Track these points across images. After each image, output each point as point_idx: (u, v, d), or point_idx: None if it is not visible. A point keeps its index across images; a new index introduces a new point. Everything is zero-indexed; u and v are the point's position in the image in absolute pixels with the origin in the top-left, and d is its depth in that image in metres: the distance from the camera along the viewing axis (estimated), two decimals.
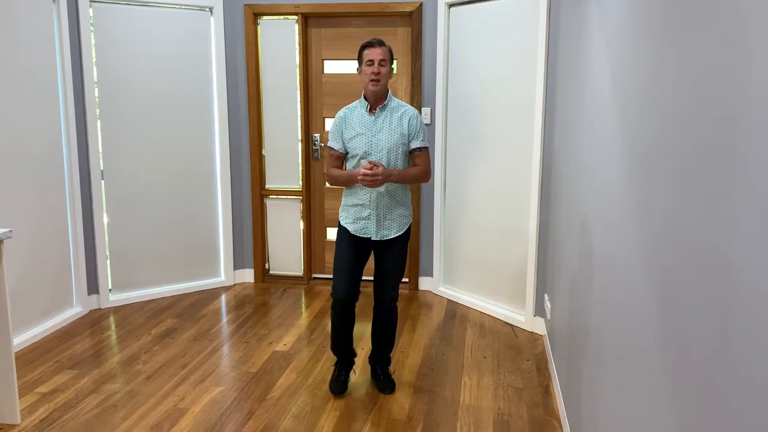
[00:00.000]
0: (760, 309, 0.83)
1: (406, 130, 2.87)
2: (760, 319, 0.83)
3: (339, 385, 3.07)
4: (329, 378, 3.22)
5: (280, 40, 4.57)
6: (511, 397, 3.06)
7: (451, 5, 4.24)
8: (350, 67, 4.58)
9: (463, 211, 4.33)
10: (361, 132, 2.84)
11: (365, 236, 2.91)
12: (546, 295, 3.75)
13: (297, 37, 4.53)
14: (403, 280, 4.76)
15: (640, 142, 1.55)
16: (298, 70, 4.58)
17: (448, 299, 4.47)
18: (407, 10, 4.35)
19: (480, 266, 4.25)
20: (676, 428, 1.20)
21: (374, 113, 2.86)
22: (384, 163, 2.82)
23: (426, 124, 4.45)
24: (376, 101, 2.86)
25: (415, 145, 2.89)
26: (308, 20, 4.57)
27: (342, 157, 2.91)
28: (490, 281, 4.19)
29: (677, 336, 1.20)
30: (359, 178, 2.75)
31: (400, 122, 2.86)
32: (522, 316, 3.98)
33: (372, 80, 2.79)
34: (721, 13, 1.01)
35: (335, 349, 3.10)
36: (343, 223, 2.94)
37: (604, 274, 1.96)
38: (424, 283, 4.68)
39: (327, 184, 4.78)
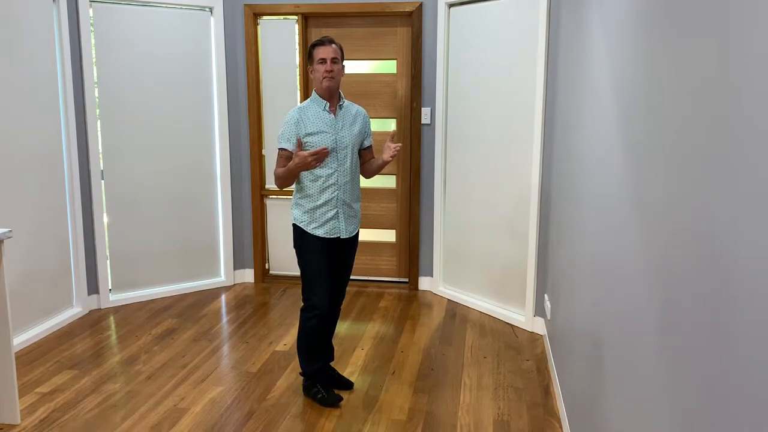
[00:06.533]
0: (761, 308, 0.83)
1: (362, 128, 2.99)
2: (761, 318, 0.83)
3: (335, 397, 2.97)
4: (317, 398, 2.99)
5: (280, 40, 4.57)
6: (511, 397, 3.06)
7: (451, 5, 4.24)
8: (350, 67, 4.58)
9: (463, 210, 4.33)
10: (325, 130, 2.85)
11: (334, 236, 2.91)
12: (546, 295, 3.75)
13: (297, 37, 4.54)
14: (403, 280, 4.77)
15: (639, 141, 1.55)
16: (298, 70, 4.58)
17: (448, 299, 4.47)
18: (407, 10, 4.35)
19: (480, 266, 4.25)
20: (675, 427, 1.20)
21: (334, 111, 2.89)
22: (348, 158, 2.90)
23: (426, 124, 4.46)
24: (333, 99, 2.90)
25: (368, 143, 3.05)
26: (308, 20, 4.57)
27: (291, 158, 2.89)
28: (491, 281, 4.19)
29: (677, 335, 1.20)
30: (391, 155, 2.87)
31: (356, 121, 2.95)
32: (522, 316, 3.98)
33: (325, 77, 2.82)
34: (721, 13, 1.01)
35: (315, 362, 3.00)
36: (310, 230, 2.88)
37: (603, 273, 1.96)
38: (424, 283, 4.67)
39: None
